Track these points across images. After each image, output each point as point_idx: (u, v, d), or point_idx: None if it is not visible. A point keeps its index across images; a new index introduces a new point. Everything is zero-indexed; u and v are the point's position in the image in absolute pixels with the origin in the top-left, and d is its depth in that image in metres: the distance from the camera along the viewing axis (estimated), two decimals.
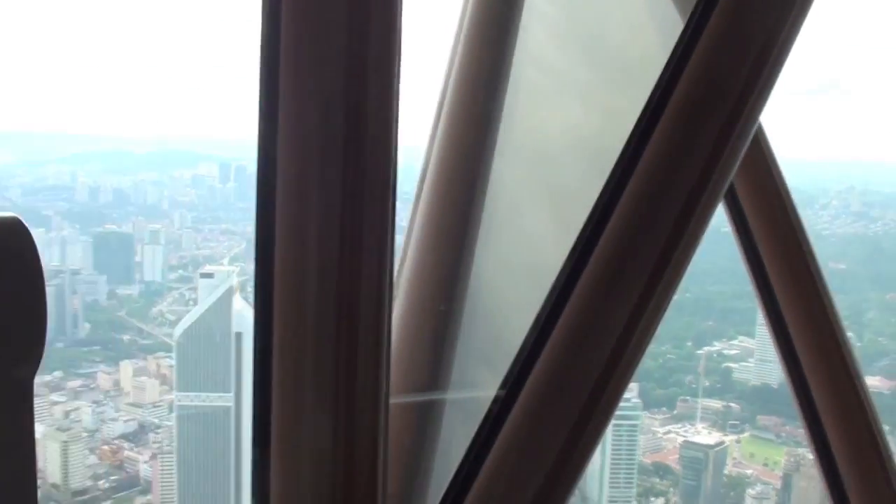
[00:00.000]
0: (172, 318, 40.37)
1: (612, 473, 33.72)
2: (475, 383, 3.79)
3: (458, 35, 3.99)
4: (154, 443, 35.76)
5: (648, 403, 36.02)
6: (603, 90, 3.92)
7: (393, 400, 3.44)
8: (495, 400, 3.20)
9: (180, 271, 44.11)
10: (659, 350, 37.74)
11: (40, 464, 33.47)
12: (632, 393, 33.56)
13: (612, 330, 3.14)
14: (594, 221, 3.09)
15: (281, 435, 2.63)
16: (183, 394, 35.17)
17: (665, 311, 3.21)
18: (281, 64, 2.48)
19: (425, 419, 3.79)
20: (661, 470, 35.96)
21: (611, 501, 34.01)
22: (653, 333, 3.22)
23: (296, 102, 2.50)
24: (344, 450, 2.62)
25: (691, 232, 3.11)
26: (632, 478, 34.55)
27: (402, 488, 3.60)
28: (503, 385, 3.20)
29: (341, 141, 2.49)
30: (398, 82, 2.54)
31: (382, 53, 2.58)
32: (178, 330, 36.71)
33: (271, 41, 2.51)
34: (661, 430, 36.69)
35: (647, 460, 35.84)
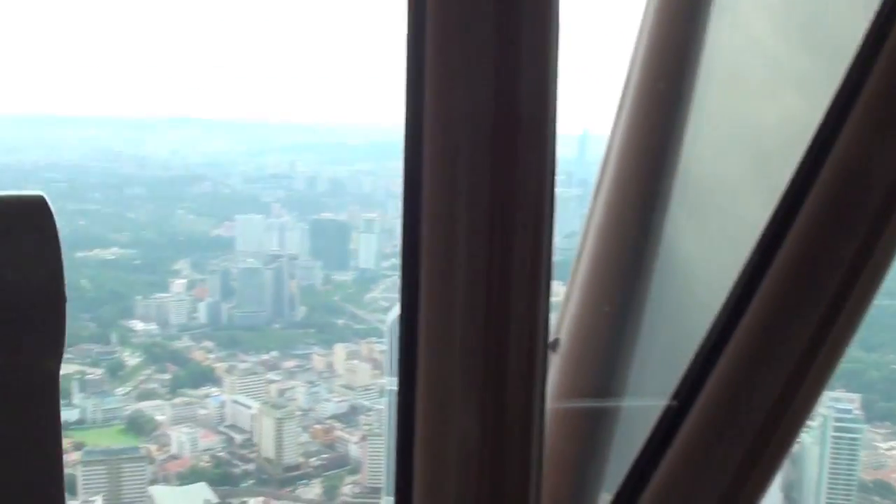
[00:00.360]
0: (385, 304, 41.06)
1: (829, 489, 32.48)
2: (648, 391, 3.53)
3: (644, 15, 3.72)
4: (364, 425, 36.41)
5: (871, 417, 34.52)
6: (812, 73, 3.58)
7: (559, 405, 3.24)
8: (667, 410, 2.96)
9: (393, 260, 44.75)
10: (883, 360, 36.14)
11: (256, 438, 34.64)
12: (854, 405, 32.31)
13: (801, 335, 2.82)
14: (781, 214, 2.80)
15: (425, 435, 2.47)
16: (394, 378, 35.61)
17: (865, 313, 2.88)
18: (427, 48, 2.30)
19: (594, 426, 3.56)
20: (882, 488, 34.34)
21: None
22: (850, 339, 2.89)
23: (442, 87, 2.32)
24: (492, 452, 2.44)
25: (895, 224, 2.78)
26: (850, 495, 33.20)
27: (567, 496, 3.40)
28: (676, 394, 2.96)
29: (490, 128, 2.29)
30: (556, 65, 2.33)
31: (537, 34, 2.36)
32: (391, 316, 37.19)
33: (418, 24, 2.33)
34: (884, 445, 35.09)
35: (868, 477, 34.36)
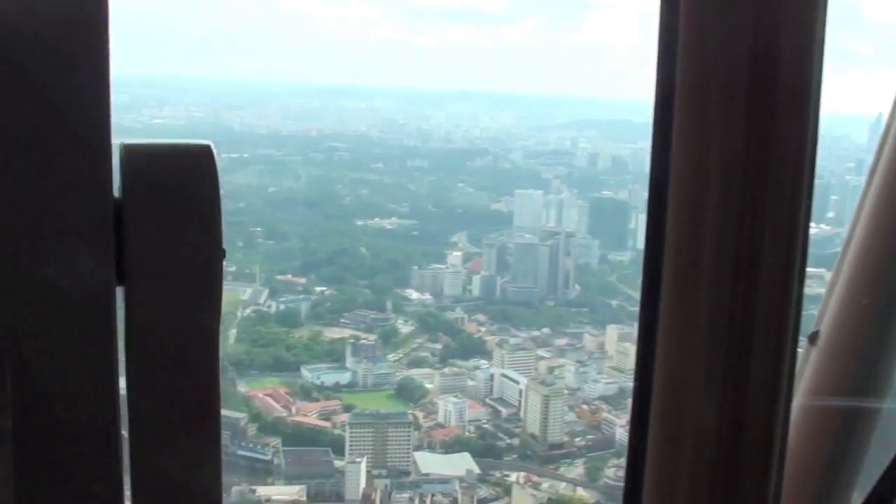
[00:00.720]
0: None
1: None
2: None
3: None
4: None
5: None
6: None
7: (814, 401, 3.07)
8: None
9: None
10: None
11: (522, 413, 34.92)
12: None
13: None
14: None
15: (659, 426, 2.37)
16: None
17: None
18: (681, 16, 2.19)
19: (849, 426, 3.36)
20: None
21: None
22: None
23: (695, 56, 2.21)
24: (729, 448, 2.34)
25: None
26: None
27: (811, 496, 3.24)
28: None
29: (745, 102, 2.17)
30: (821, 36, 2.18)
31: (798, 5, 2.22)
32: None
33: None
34: None
35: None
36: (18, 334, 1.47)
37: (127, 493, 1.57)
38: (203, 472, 1.61)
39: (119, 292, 1.53)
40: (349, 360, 36.46)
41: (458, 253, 42.83)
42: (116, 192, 1.52)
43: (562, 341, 39.16)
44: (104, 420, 1.53)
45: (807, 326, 3.20)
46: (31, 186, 1.46)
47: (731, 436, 2.31)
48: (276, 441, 31.93)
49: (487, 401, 36.45)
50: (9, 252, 1.46)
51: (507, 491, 32.97)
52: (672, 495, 2.38)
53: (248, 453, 31.21)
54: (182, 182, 1.54)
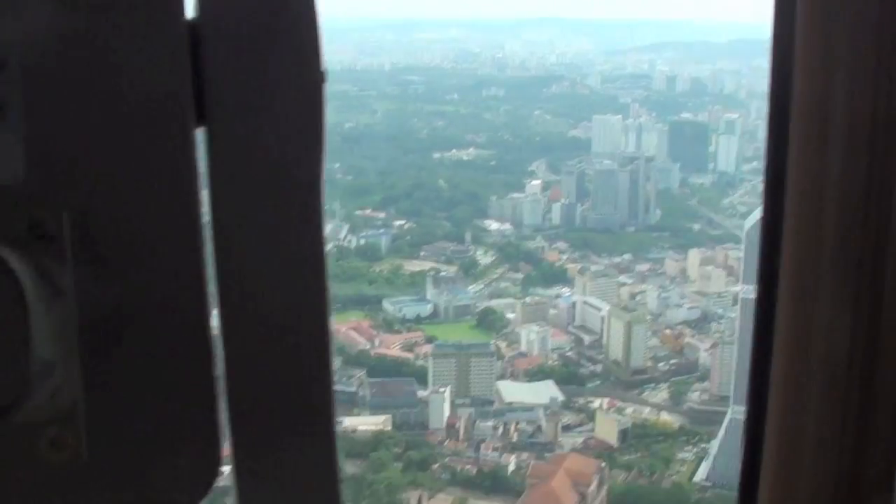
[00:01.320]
0: (744, 209, 40.17)
1: None
2: None
3: None
4: (716, 332, 35.96)
5: None
6: None
7: None
8: None
9: (755, 163, 43.43)
10: None
11: (605, 340, 34.92)
12: None
13: None
14: None
15: (786, 341, 2.25)
16: (749, 286, 34.71)
17: None
18: None
19: None
20: None
21: None
22: None
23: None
24: (861, 366, 2.21)
25: None
26: None
27: None
28: None
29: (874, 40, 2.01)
30: None
31: None
32: (750, 222, 36.32)
33: None
34: None
35: None
36: (80, 181, 1.25)
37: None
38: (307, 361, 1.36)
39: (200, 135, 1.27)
40: (430, 293, 36.63)
41: (537, 181, 42.65)
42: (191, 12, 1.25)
43: (643, 267, 39.03)
44: (187, 287, 1.30)
45: None
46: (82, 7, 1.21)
47: (864, 360, 2.18)
48: (360, 373, 32.26)
49: (570, 328, 36.48)
50: (66, 88, 1.23)
51: (591, 417, 33.10)
52: (801, 416, 2.25)
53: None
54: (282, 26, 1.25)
